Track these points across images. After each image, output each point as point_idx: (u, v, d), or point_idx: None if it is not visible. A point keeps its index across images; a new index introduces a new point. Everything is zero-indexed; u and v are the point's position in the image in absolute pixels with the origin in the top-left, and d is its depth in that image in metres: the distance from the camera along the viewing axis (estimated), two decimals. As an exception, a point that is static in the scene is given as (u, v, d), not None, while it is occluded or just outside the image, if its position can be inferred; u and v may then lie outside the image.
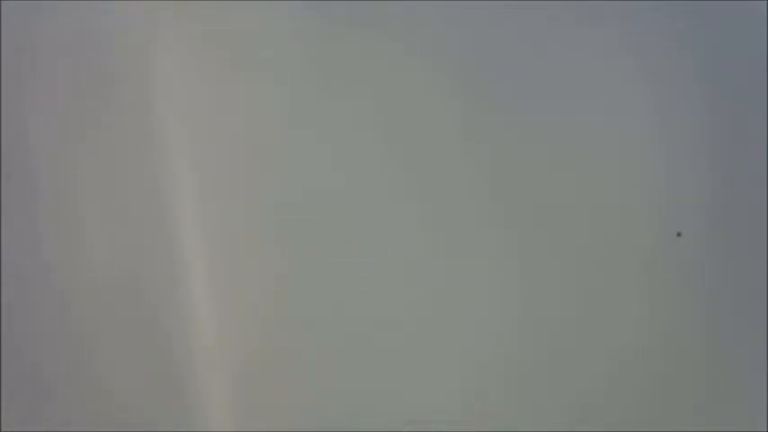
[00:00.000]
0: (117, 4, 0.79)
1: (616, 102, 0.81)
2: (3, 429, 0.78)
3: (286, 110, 0.79)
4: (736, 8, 0.82)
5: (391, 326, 0.79)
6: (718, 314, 0.81)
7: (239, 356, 0.79)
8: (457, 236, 0.80)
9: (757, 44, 0.82)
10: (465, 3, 0.79)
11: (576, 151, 0.80)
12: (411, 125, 0.80)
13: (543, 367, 0.80)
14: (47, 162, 0.79)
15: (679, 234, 0.80)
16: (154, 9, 0.78)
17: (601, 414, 0.80)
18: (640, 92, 0.81)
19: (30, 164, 0.79)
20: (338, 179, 0.79)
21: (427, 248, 0.80)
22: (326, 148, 0.79)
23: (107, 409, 0.79)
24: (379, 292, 0.79)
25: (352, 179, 0.79)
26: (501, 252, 0.80)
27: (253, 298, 0.79)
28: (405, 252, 0.79)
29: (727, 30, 0.82)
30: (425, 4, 0.79)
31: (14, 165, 0.79)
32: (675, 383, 0.81)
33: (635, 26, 0.81)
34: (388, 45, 0.80)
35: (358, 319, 0.79)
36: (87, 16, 0.79)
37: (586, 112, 0.81)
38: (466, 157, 0.80)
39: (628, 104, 0.81)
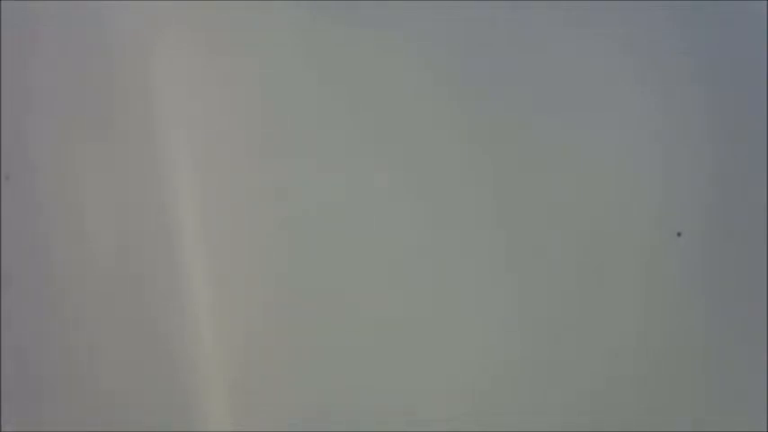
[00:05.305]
0: (117, 4, 0.79)
1: (616, 101, 0.81)
2: (3, 429, 0.78)
3: (286, 110, 0.79)
4: (736, 8, 0.82)
5: (391, 326, 0.79)
6: (718, 314, 0.81)
7: (239, 356, 0.79)
8: (457, 235, 0.80)
9: (757, 44, 0.82)
10: (466, 3, 0.80)
11: (575, 151, 0.80)
12: (412, 125, 0.80)
13: (543, 367, 0.80)
14: (47, 162, 0.79)
15: (679, 234, 0.80)
16: (154, 9, 0.78)
17: (601, 414, 0.80)
18: (640, 92, 0.81)
19: (30, 164, 0.80)
20: (338, 179, 0.79)
21: (427, 248, 0.80)
22: (327, 148, 0.79)
23: (107, 409, 0.79)
24: (379, 292, 0.79)
25: (353, 179, 0.79)
26: (501, 252, 0.80)
27: (253, 298, 0.79)
28: (404, 252, 0.79)
29: (727, 30, 0.82)
30: (427, 4, 0.79)
31: (14, 165, 0.79)
32: (675, 383, 0.81)
33: (635, 26, 0.81)
34: (388, 45, 0.80)
35: (358, 318, 0.79)
36: (87, 16, 0.79)
37: (586, 111, 0.81)
38: (465, 156, 0.80)
39: (627, 104, 0.81)
